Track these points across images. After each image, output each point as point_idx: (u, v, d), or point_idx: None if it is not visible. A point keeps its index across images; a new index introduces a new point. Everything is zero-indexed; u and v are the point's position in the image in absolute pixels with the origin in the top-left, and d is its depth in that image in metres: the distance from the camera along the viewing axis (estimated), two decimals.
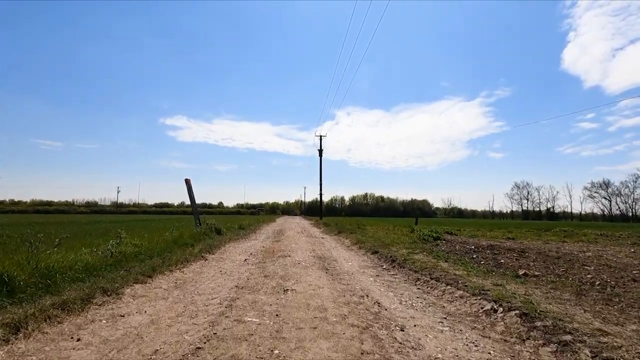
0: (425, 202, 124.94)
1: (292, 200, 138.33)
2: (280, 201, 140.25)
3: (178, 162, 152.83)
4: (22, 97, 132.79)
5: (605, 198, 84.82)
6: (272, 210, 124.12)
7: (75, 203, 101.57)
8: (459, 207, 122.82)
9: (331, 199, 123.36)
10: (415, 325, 3.40)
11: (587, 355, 2.63)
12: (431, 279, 5.64)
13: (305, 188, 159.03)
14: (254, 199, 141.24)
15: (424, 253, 8.61)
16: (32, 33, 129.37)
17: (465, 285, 4.95)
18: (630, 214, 79.59)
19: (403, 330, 3.21)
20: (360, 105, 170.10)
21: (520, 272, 6.30)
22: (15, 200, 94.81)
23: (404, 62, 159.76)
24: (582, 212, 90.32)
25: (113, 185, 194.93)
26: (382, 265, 7.43)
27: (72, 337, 2.89)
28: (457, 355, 2.71)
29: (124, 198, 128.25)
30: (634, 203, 79.92)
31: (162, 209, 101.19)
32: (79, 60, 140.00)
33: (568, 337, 2.94)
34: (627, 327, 3.27)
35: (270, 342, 2.82)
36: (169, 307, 3.85)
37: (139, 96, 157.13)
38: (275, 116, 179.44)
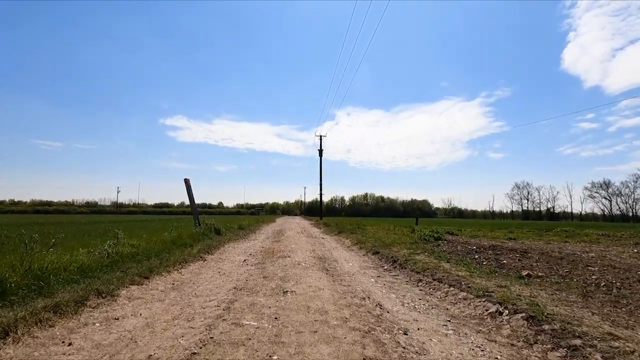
0: (425, 202, 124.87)
1: (292, 200, 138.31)
2: (280, 201, 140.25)
3: (178, 163, 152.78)
4: (22, 97, 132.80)
5: (606, 198, 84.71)
6: (272, 211, 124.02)
7: (75, 203, 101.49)
8: (459, 207, 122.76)
9: (331, 199, 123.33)
10: (418, 329, 3.30)
11: None
12: (433, 280, 5.54)
13: (305, 188, 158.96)
14: (254, 199, 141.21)
15: (426, 253, 8.51)
16: (32, 33, 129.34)
17: (469, 287, 4.84)
18: (631, 214, 79.46)
19: (406, 334, 3.11)
20: (360, 105, 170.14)
21: (524, 273, 6.20)
22: (15, 200, 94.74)
23: (404, 62, 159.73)
24: (583, 212, 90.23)
25: (113, 185, 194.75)
26: (383, 266, 7.32)
27: (63, 342, 2.79)
28: None
29: (124, 198, 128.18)
30: (634, 203, 79.81)
31: (162, 209, 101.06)
32: (79, 60, 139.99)
33: (578, 342, 2.84)
34: (638, 331, 3.17)
35: (269, 346, 2.72)
36: (165, 310, 3.74)
37: (138, 96, 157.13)
38: (275, 116, 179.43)
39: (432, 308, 4.14)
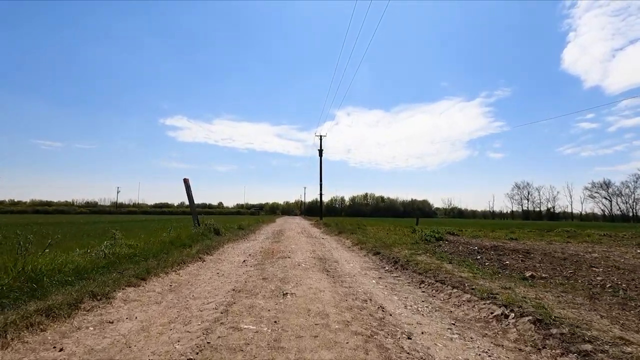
0: (425, 203, 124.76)
1: (292, 200, 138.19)
2: (280, 201, 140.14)
3: (178, 163, 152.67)
4: (22, 97, 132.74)
5: (606, 198, 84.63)
6: (272, 211, 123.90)
7: (75, 203, 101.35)
8: (459, 207, 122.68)
9: (331, 199, 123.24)
10: (422, 333, 3.19)
11: None
12: (436, 281, 5.44)
13: (305, 188, 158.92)
14: (254, 200, 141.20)
15: (427, 254, 8.41)
16: (32, 33, 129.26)
17: (473, 289, 4.74)
18: (631, 214, 79.37)
19: (410, 339, 3.00)
20: (360, 105, 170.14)
21: (527, 274, 6.10)
22: (15, 200, 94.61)
23: (404, 62, 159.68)
24: (583, 212, 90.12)
25: (113, 185, 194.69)
26: (385, 267, 7.22)
27: (54, 347, 2.68)
28: None
29: (124, 198, 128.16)
30: (634, 203, 79.74)
31: (162, 209, 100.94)
32: (79, 60, 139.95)
33: (588, 347, 2.74)
34: None
35: (268, 352, 2.61)
36: (162, 313, 3.64)
37: (138, 96, 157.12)
38: (275, 116, 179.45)
39: (435, 311, 4.04)
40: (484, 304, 4.07)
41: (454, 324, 3.53)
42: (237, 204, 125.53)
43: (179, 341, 2.82)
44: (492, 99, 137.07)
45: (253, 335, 2.92)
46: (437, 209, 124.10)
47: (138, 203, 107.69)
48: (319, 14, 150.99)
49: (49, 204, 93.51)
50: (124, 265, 5.60)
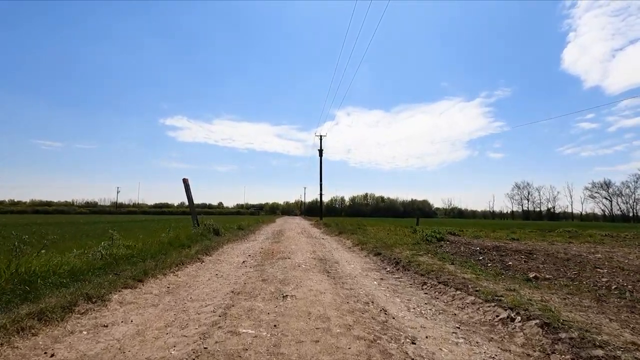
0: (425, 203, 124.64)
1: (292, 200, 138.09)
2: (280, 201, 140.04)
3: (178, 163, 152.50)
4: (22, 97, 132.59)
5: (606, 198, 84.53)
6: (272, 211, 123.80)
7: (75, 203, 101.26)
8: (459, 207, 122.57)
9: (331, 199, 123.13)
10: (427, 337, 3.10)
11: None
12: (439, 283, 5.34)
13: (305, 188, 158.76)
14: (254, 200, 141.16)
15: (429, 255, 8.31)
16: (32, 33, 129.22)
17: (476, 290, 4.64)
18: (631, 214, 79.26)
19: (414, 343, 2.90)
20: (360, 105, 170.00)
21: (531, 275, 6.00)
22: (15, 200, 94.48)
23: (404, 62, 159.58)
24: (583, 213, 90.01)
25: (113, 185, 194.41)
26: (386, 268, 7.12)
27: (45, 352, 2.59)
28: None
29: (124, 198, 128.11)
30: (634, 203, 79.65)
31: (162, 210, 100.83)
32: (79, 60, 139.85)
33: (599, 352, 2.64)
34: None
35: (267, 358, 2.51)
36: (158, 316, 3.54)
37: (138, 96, 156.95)
38: (275, 116, 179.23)
39: (439, 313, 3.94)
40: (489, 306, 3.97)
41: (458, 328, 3.43)
42: (237, 204, 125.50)
43: (175, 346, 2.72)
44: (492, 99, 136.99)
45: (252, 340, 2.82)
46: (437, 209, 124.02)
47: (138, 203, 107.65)
48: (319, 14, 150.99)
49: (48, 204, 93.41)
50: (121, 267, 5.51)
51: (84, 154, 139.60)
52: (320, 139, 40.28)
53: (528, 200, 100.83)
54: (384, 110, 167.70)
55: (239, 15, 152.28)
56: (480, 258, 8.13)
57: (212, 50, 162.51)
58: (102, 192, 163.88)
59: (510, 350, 2.88)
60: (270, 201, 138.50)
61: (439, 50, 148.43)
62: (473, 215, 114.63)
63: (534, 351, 2.85)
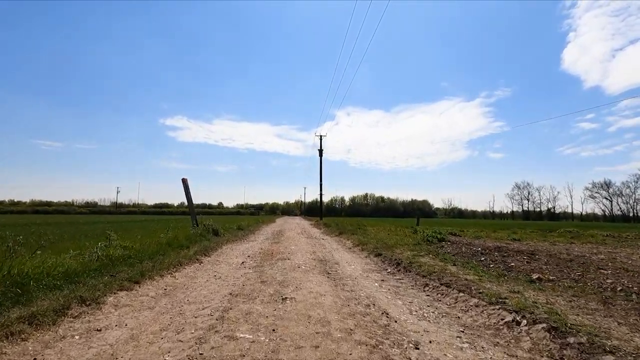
0: (425, 203, 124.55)
1: (292, 200, 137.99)
2: (280, 201, 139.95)
3: (178, 163, 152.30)
4: (22, 97, 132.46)
5: (607, 198, 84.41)
6: (272, 211, 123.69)
7: (75, 203, 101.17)
8: (460, 207, 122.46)
9: (331, 199, 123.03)
10: (430, 342, 3.00)
11: None
12: (441, 284, 5.24)
13: (305, 188, 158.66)
14: (254, 200, 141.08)
15: (430, 255, 8.21)
16: (32, 33, 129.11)
17: (480, 292, 4.55)
18: (632, 214, 79.16)
19: (418, 349, 2.81)
20: (360, 105, 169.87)
21: (534, 277, 5.90)
22: (15, 200, 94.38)
23: (404, 62, 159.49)
24: (583, 213, 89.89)
25: (113, 185, 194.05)
26: (387, 269, 7.03)
27: (34, 358, 2.49)
28: None
29: (124, 198, 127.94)
30: (635, 203, 79.53)
31: (162, 210, 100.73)
32: (79, 60, 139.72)
33: (610, 358, 2.54)
34: None
35: None
36: (154, 319, 3.44)
37: (138, 96, 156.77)
38: (275, 116, 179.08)
39: (442, 316, 3.84)
40: (493, 309, 3.87)
41: (462, 332, 3.33)
42: (237, 204, 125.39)
43: (169, 352, 2.62)
44: (492, 99, 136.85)
45: (249, 346, 2.72)
46: (437, 209, 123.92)
47: (138, 203, 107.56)
48: (319, 14, 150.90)
49: (48, 204, 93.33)
50: (117, 268, 5.41)
51: (84, 154, 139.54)
52: (320, 139, 40.20)
53: (528, 200, 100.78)
54: (384, 110, 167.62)
55: (239, 15, 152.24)
56: (482, 259, 8.04)
57: (212, 50, 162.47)
58: (102, 192, 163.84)
59: (517, 356, 2.78)
60: (270, 201, 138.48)
61: (439, 50, 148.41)
62: (473, 215, 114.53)
63: (542, 357, 2.76)
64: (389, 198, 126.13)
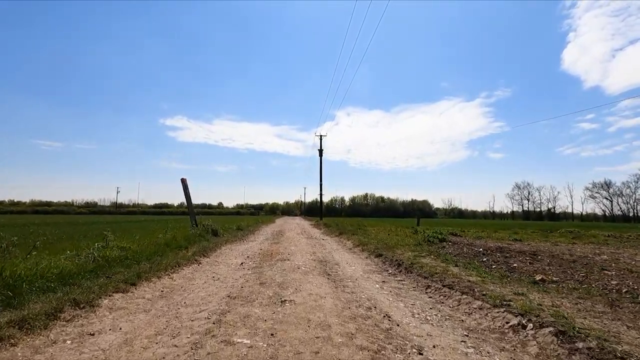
0: (425, 203, 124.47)
1: (292, 200, 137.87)
2: (280, 202, 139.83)
3: (178, 163, 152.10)
4: (22, 97, 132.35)
5: (607, 198, 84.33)
6: (272, 211, 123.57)
7: (75, 204, 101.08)
8: (460, 207, 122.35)
9: (331, 200, 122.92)
10: (434, 346, 2.90)
11: None
12: (443, 286, 5.15)
13: (305, 188, 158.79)
14: (254, 200, 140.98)
15: (431, 256, 8.12)
16: (32, 33, 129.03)
17: (483, 294, 4.45)
18: (632, 215, 79.07)
19: (421, 354, 2.71)
20: (360, 105, 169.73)
21: (537, 278, 5.81)
22: (15, 200, 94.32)
23: (404, 63, 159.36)
24: (583, 213, 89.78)
25: (113, 185, 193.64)
26: (388, 270, 6.93)
27: None
28: None
29: (124, 198, 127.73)
30: (635, 203, 79.47)
31: (162, 210, 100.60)
32: (79, 61, 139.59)
33: None
34: None
35: None
36: (149, 323, 3.34)
37: (139, 97, 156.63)
38: (275, 117, 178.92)
39: (445, 319, 3.74)
40: (498, 312, 3.78)
41: (467, 336, 3.24)
42: (237, 205, 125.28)
43: (164, 358, 2.53)
44: (492, 99, 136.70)
45: (247, 352, 2.62)
46: (438, 209, 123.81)
47: (138, 203, 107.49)
48: (319, 14, 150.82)
49: (48, 204, 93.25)
50: (114, 269, 5.31)
51: (84, 154, 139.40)
52: (320, 139, 40.11)
53: (528, 200, 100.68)
54: (384, 110, 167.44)
55: (239, 15, 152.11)
56: (484, 260, 7.94)
57: (212, 50, 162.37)
58: (102, 193, 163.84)
59: None
60: (270, 201, 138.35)
61: (439, 50, 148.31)
62: (473, 215, 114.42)
63: None
64: (389, 198, 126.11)
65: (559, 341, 2.91)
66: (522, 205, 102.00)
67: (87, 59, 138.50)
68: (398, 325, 3.43)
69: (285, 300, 4.17)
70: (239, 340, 2.84)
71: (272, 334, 2.99)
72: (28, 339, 2.79)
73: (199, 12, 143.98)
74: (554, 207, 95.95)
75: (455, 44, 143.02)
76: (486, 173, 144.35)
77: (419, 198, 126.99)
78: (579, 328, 3.10)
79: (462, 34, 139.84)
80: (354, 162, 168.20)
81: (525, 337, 3.16)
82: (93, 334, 3.01)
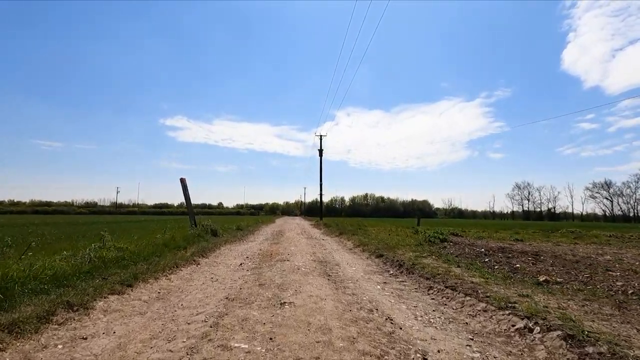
0: (425, 203, 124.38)
1: (292, 200, 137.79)
2: (280, 202, 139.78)
3: (178, 163, 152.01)
4: (22, 97, 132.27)
5: (607, 198, 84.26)
6: (272, 211, 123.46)
7: (75, 204, 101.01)
8: (460, 207, 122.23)
9: (331, 200, 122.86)
10: (438, 351, 2.80)
11: None
12: (446, 287, 5.05)
13: (305, 188, 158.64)
14: (254, 200, 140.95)
15: (433, 257, 8.02)
16: (33, 33, 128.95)
17: (487, 296, 4.35)
18: (632, 215, 78.97)
19: (426, 359, 2.61)
20: (360, 105, 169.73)
21: (541, 279, 5.71)
22: (15, 200, 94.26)
23: (404, 63, 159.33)
24: (584, 213, 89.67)
25: (113, 185, 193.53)
26: (389, 271, 6.83)
27: None
28: None
29: (124, 199, 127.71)
30: (635, 203, 79.40)
31: (162, 210, 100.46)
32: (80, 61, 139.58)
33: None
34: None
35: None
36: (144, 326, 3.25)
37: (139, 97, 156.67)
38: (275, 117, 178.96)
39: (449, 322, 3.64)
40: (503, 314, 3.68)
41: (472, 339, 3.14)
42: (237, 205, 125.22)
43: None
44: (492, 99, 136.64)
45: (244, 357, 2.52)
46: (438, 209, 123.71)
47: (138, 203, 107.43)
48: (319, 14, 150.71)
49: (48, 204, 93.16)
50: (110, 270, 5.21)
51: (84, 154, 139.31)
52: (320, 139, 39.99)
53: (528, 200, 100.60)
54: (384, 110, 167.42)
55: (239, 15, 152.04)
56: (486, 260, 7.84)
57: (213, 50, 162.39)
58: (102, 193, 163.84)
59: None
60: (270, 201, 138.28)
61: (439, 50, 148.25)
62: (473, 215, 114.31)
63: None
64: (389, 198, 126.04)
65: (568, 345, 2.81)
66: (522, 205, 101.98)
67: (87, 59, 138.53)
68: (401, 328, 3.33)
69: (284, 302, 4.07)
70: (236, 344, 2.74)
71: (270, 338, 2.89)
72: (18, 344, 2.69)
73: (199, 12, 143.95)
74: (554, 207, 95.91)
75: (455, 44, 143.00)
76: (486, 173, 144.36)
77: (419, 198, 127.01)
78: (588, 332, 3.00)
79: (462, 34, 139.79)
80: (354, 162, 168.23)
81: (533, 341, 3.06)
82: (86, 338, 2.91)
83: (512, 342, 3.12)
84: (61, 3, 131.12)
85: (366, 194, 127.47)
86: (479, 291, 4.66)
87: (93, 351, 2.65)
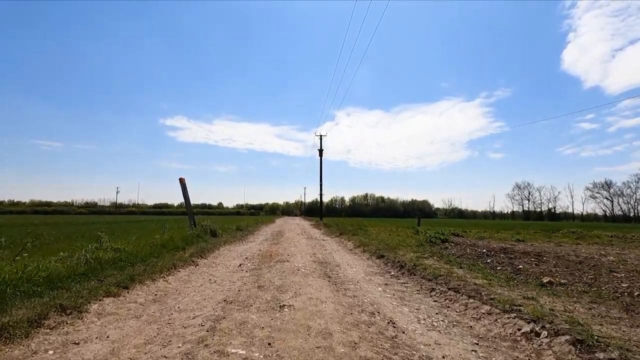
0: (425, 203, 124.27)
1: (292, 201, 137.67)
2: (280, 202, 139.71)
3: (178, 163, 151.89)
4: (22, 97, 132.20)
5: (607, 198, 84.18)
6: (272, 211, 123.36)
7: (75, 204, 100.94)
8: (460, 207, 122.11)
9: (331, 200, 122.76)
10: (443, 357, 2.70)
11: None
12: (448, 289, 4.95)
13: (305, 189, 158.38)
14: (254, 200, 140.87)
15: (434, 257, 7.92)
16: (33, 33, 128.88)
17: (491, 298, 4.25)
18: (632, 215, 78.87)
19: None
20: (360, 106, 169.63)
21: (545, 280, 5.61)
22: (15, 200, 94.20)
23: (404, 63, 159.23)
24: (584, 213, 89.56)
25: (112, 185, 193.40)
26: (390, 272, 6.73)
27: None
28: None
29: (124, 199, 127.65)
30: (636, 204, 79.34)
31: (162, 210, 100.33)
32: (80, 61, 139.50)
33: None
34: None
35: None
36: (139, 330, 3.15)
37: (139, 97, 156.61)
38: (275, 117, 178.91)
39: (453, 326, 3.54)
40: (508, 317, 3.58)
41: (477, 344, 3.04)
42: (237, 205, 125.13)
43: None
44: (492, 99, 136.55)
45: None
46: (438, 209, 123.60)
47: (137, 203, 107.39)
48: (319, 14, 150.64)
49: (48, 204, 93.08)
50: (106, 272, 5.11)
51: (84, 154, 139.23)
52: (320, 139, 39.89)
53: (529, 200, 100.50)
54: (384, 110, 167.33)
55: (239, 15, 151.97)
56: (489, 261, 7.74)
57: (212, 51, 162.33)
58: (102, 193, 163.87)
59: None
60: (270, 201, 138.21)
61: (439, 50, 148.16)
62: (473, 215, 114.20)
63: None
64: (389, 198, 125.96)
65: (577, 351, 2.71)
66: (523, 206, 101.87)
67: (87, 59, 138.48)
68: (404, 332, 3.23)
69: (284, 305, 3.97)
70: (233, 350, 2.64)
71: (269, 344, 2.79)
72: (6, 349, 2.60)
73: (199, 12, 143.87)
74: (555, 207, 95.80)
75: (455, 44, 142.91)
76: (486, 173, 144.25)
77: (419, 198, 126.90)
78: (597, 336, 2.90)
79: (462, 34, 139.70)
80: (354, 162, 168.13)
81: (540, 345, 2.96)
82: (78, 343, 2.81)
83: (518, 347, 3.02)
84: (61, 3, 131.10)
85: (366, 194, 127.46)
86: (483, 293, 4.56)
87: (85, 357, 2.56)
